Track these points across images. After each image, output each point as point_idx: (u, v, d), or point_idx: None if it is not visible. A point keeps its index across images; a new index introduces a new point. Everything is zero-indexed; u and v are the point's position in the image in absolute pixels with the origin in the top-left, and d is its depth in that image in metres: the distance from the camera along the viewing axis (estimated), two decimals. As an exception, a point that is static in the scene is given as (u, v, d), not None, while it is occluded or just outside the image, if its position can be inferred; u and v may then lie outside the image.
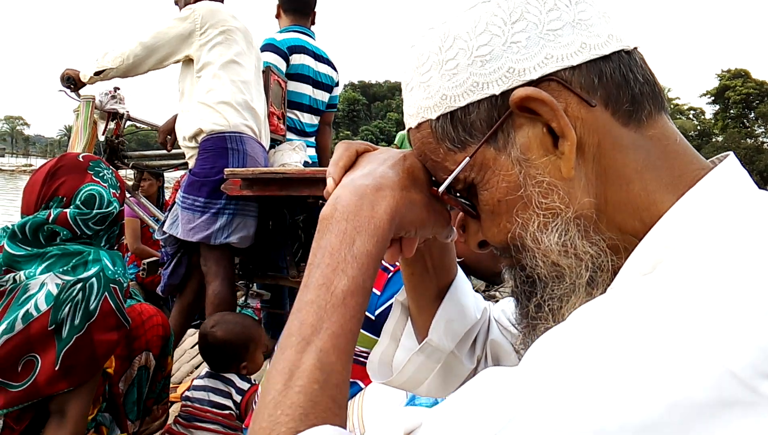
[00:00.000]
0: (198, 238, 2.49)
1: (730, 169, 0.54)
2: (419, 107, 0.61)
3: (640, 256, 0.53)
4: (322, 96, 3.44)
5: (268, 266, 2.99)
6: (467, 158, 0.58)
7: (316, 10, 3.44)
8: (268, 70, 2.88)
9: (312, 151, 3.40)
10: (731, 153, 0.57)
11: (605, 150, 0.54)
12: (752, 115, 61.98)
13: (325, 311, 0.53)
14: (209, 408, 2.05)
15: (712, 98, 63.65)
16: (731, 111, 62.24)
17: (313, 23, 3.45)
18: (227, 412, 2.05)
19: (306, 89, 3.31)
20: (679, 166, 0.55)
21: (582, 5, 0.55)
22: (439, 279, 0.81)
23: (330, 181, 0.64)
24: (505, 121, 0.56)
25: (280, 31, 3.32)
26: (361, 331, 0.69)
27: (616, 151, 0.54)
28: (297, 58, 3.21)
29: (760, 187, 0.53)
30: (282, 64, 3.14)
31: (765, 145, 59.95)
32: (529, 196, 0.56)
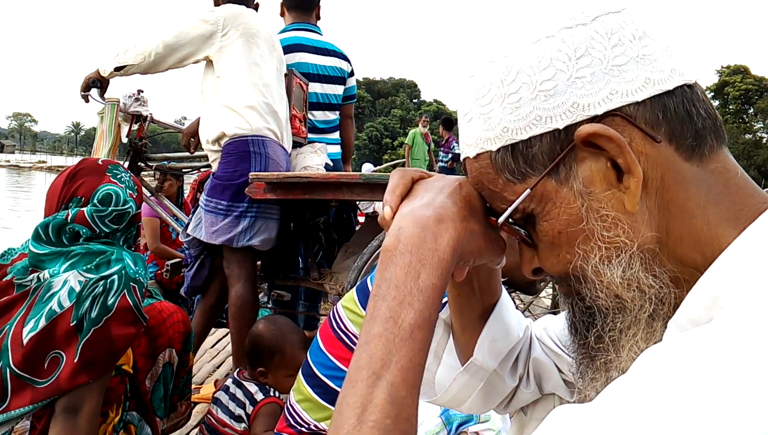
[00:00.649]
0: (221, 240, 2.52)
1: None
2: (479, 138, 0.61)
3: (701, 290, 0.53)
4: (334, 90, 3.38)
5: (290, 268, 3.01)
6: (528, 190, 0.58)
7: (320, 4, 3.37)
8: (290, 73, 2.89)
9: (331, 149, 3.36)
10: None
11: (668, 184, 0.55)
12: (751, 110, 62.30)
13: (393, 345, 0.54)
14: (228, 421, 2.07)
15: (712, 94, 63.75)
16: (730, 106, 62.36)
17: (318, 18, 3.39)
18: (243, 426, 2.07)
19: (311, 87, 3.25)
20: (741, 200, 0.55)
21: (645, 40, 0.55)
22: (484, 300, 0.82)
23: (387, 210, 0.64)
24: (567, 155, 0.56)
25: (280, 32, 3.26)
26: None
27: (679, 185, 0.55)
28: (291, 57, 3.13)
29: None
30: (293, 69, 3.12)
31: (764, 140, 60.34)
32: (591, 229, 0.56)
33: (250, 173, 2.45)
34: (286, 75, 2.85)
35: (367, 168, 11.01)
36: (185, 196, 4.66)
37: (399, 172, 0.69)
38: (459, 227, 0.61)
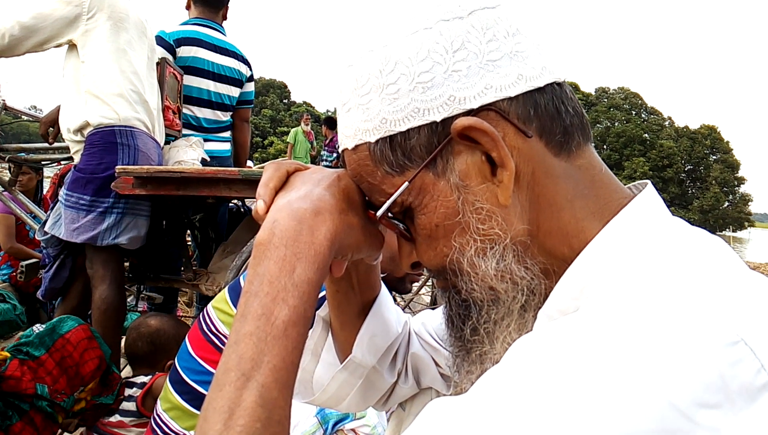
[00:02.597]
0: (83, 238, 2.32)
1: (648, 199, 0.57)
2: (357, 129, 0.59)
3: (569, 281, 0.55)
4: (229, 90, 3.31)
5: (162, 268, 2.84)
6: (406, 183, 0.58)
7: (229, 5, 3.33)
8: (163, 62, 2.73)
9: (211, 146, 3.23)
10: (649, 182, 0.61)
11: (539, 179, 0.56)
12: (579, 122, 73.42)
13: (265, 344, 0.51)
14: (126, 421, 1.99)
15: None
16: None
17: (225, 18, 3.34)
18: (131, 420, 2.00)
19: (203, 83, 3.17)
20: (605, 195, 0.58)
21: (519, 37, 0.56)
22: (363, 296, 0.81)
23: (261, 204, 0.61)
24: (444, 148, 0.56)
25: (182, 24, 3.18)
26: None
27: (549, 180, 0.56)
28: (187, 51, 3.06)
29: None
30: (167, 57, 2.99)
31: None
32: (467, 221, 0.57)
33: (117, 166, 2.28)
34: (158, 64, 2.69)
35: (248, 164, 10.75)
36: (44, 191, 4.28)
37: (273, 165, 0.65)
38: (337, 220, 0.59)
